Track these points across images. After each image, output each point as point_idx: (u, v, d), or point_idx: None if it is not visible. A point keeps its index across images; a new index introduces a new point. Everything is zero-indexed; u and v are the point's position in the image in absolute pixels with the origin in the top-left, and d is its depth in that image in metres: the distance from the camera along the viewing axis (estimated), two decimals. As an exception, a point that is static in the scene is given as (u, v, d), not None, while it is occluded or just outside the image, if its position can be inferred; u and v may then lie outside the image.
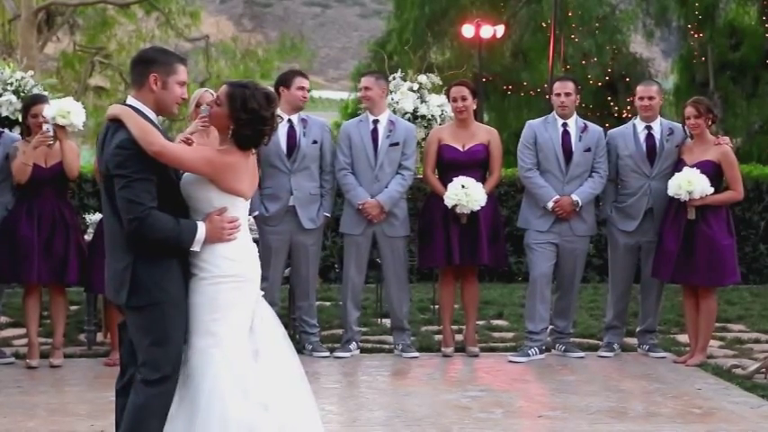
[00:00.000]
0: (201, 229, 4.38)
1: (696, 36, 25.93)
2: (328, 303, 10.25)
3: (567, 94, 8.14)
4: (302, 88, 8.11)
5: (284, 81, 8.19)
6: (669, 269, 7.86)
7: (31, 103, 7.69)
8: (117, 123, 4.35)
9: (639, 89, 8.31)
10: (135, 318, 4.40)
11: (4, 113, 8.45)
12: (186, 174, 4.48)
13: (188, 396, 4.38)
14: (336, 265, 11.58)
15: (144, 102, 4.44)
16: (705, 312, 7.89)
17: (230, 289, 4.46)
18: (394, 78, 9.72)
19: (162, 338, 4.36)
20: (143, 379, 4.36)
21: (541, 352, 8.15)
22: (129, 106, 4.43)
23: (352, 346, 8.22)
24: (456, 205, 7.88)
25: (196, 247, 4.38)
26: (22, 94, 8.49)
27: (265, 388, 4.46)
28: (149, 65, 4.45)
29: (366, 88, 8.23)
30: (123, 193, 4.26)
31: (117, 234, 4.39)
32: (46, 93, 8.56)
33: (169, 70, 4.46)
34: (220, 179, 4.42)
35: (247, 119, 4.44)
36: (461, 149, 8.13)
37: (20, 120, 8.08)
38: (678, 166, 7.91)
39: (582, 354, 8.26)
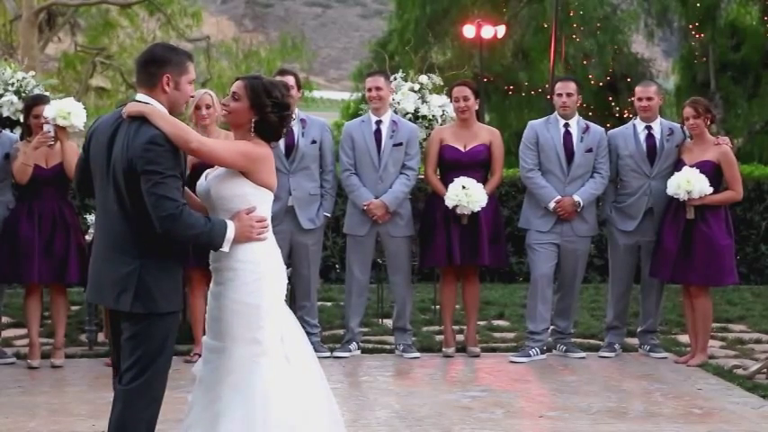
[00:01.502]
0: (232, 227, 4.31)
1: (697, 36, 25.96)
2: (329, 304, 10.24)
3: (569, 95, 8.14)
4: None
5: None
6: (668, 269, 7.86)
7: (33, 103, 7.68)
8: (139, 120, 4.25)
9: (638, 90, 8.31)
10: (132, 325, 4.29)
11: (5, 114, 8.45)
12: (216, 173, 4.42)
13: (241, 408, 4.30)
14: (337, 266, 11.57)
15: (158, 101, 4.35)
16: (700, 312, 7.88)
17: (269, 291, 4.42)
18: (395, 79, 9.72)
19: (158, 348, 4.29)
20: (127, 388, 4.29)
21: (542, 352, 8.15)
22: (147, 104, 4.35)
23: (353, 346, 8.21)
24: (456, 206, 7.88)
25: (226, 247, 4.30)
26: (23, 94, 8.49)
27: (303, 394, 4.43)
28: (162, 65, 4.36)
29: (378, 88, 8.20)
30: (156, 189, 4.14)
31: (125, 236, 4.27)
32: (47, 93, 8.56)
33: (181, 70, 4.39)
34: (256, 171, 4.38)
35: (273, 105, 4.44)
36: (463, 150, 8.13)
37: (21, 120, 8.08)
38: (678, 166, 7.91)
39: (583, 354, 8.26)
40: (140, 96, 4.38)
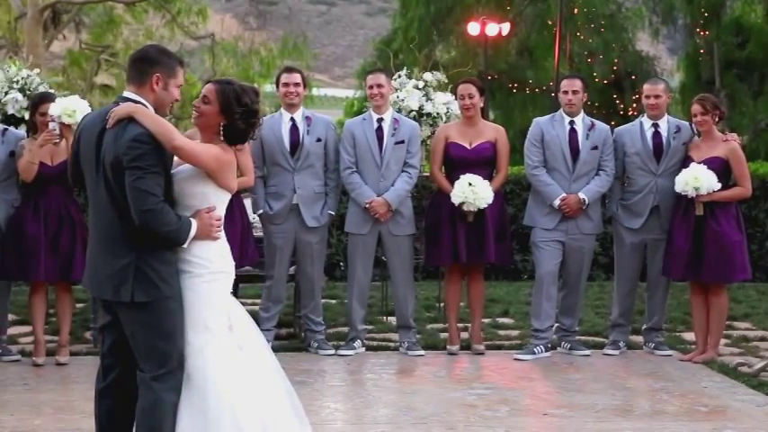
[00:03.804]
0: (194, 225, 4.43)
1: (702, 34, 25.92)
2: (334, 301, 10.24)
3: (575, 92, 8.14)
4: (286, 85, 8.12)
5: (276, 81, 8.30)
6: (680, 267, 7.85)
7: (39, 101, 7.69)
8: (127, 118, 4.36)
9: (646, 87, 8.29)
10: (137, 314, 4.39)
11: (10, 111, 8.44)
12: (181, 169, 4.50)
13: (192, 395, 4.40)
14: (342, 263, 11.58)
15: (145, 99, 4.49)
16: (716, 309, 7.87)
17: (220, 285, 4.54)
18: (399, 76, 9.71)
19: (169, 333, 4.38)
20: (152, 376, 4.36)
21: (547, 350, 8.15)
22: (135, 101, 4.46)
23: (357, 344, 8.21)
24: (463, 203, 7.88)
25: (186, 244, 4.43)
26: (27, 92, 8.48)
27: (255, 381, 4.51)
28: (153, 65, 4.50)
29: (379, 86, 8.20)
30: (138, 183, 4.28)
31: (117, 229, 4.39)
32: (52, 91, 8.55)
33: (171, 73, 4.53)
34: (221, 175, 4.50)
35: (242, 112, 4.54)
36: (468, 147, 8.13)
37: (25, 118, 8.08)
38: (686, 163, 7.90)
39: (588, 352, 8.25)
40: (128, 93, 4.52)
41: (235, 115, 4.53)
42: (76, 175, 4.65)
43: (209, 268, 4.49)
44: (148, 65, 4.50)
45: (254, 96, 4.61)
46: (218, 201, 4.56)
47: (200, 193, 4.50)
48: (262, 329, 4.95)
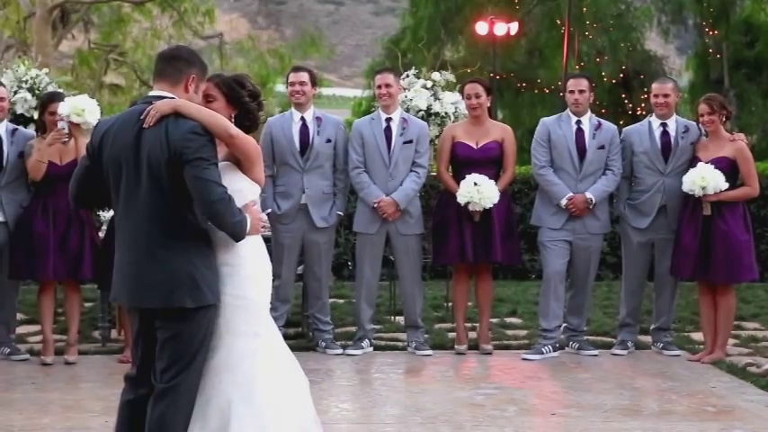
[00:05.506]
0: (249, 220, 4.31)
1: (711, 33, 25.89)
2: (341, 301, 10.25)
3: (581, 92, 8.14)
4: (292, 84, 8.11)
5: (286, 81, 8.29)
6: (688, 267, 7.84)
7: (49, 100, 7.71)
8: (172, 114, 4.24)
9: (655, 87, 8.29)
10: (179, 322, 4.24)
11: (20, 111, 8.47)
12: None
13: (248, 411, 4.28)
14: (350, 263, 11.58)
15: (178, 97, 4.36)
16: (724, 309, 7.86)
17: (264, 285, 4.47)
18: (408, 76, 9.71)
19: (200, 342, 4.27)
20: (168, 387, 4.24)
21: (555, 350, 8.14)
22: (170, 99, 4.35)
23: (365, 343, 8.21)
24: (468, 203, 7.88)
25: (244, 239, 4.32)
26: (36, 91, 8.51)
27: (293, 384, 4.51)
28: (190, 65, 4.40)
29: (387, 85, 8.19)
30: (204, 174, 4.15)
31: (166, 232, 4.23)
32: (61, 90, 8.57)
33: (203, 76, 4.45)
34: (258, 166, 4.45)
35: (251, 96, 4.54)
36: (475, 147, 8.13)
37: (34, 117, 8.11)
38: (693, 162, 7.89)
39: (596, 351, 8.24)
40: (159, 92, 4.39)
41: (244, 99, 4.50)
42: (83, 191, 4.54)
43: (252, 267, 4.40)
44: (185, 65, 4.39)
45: (249, 79, 4.61)
46: (253, 196, 4.46)
47: (236, 189, 4.34)
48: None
